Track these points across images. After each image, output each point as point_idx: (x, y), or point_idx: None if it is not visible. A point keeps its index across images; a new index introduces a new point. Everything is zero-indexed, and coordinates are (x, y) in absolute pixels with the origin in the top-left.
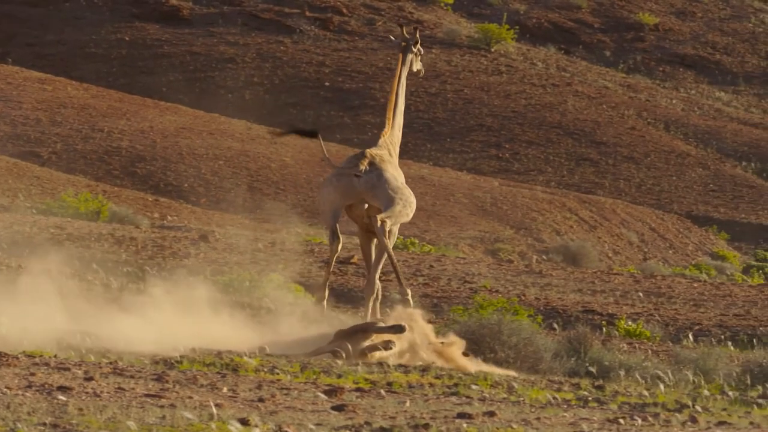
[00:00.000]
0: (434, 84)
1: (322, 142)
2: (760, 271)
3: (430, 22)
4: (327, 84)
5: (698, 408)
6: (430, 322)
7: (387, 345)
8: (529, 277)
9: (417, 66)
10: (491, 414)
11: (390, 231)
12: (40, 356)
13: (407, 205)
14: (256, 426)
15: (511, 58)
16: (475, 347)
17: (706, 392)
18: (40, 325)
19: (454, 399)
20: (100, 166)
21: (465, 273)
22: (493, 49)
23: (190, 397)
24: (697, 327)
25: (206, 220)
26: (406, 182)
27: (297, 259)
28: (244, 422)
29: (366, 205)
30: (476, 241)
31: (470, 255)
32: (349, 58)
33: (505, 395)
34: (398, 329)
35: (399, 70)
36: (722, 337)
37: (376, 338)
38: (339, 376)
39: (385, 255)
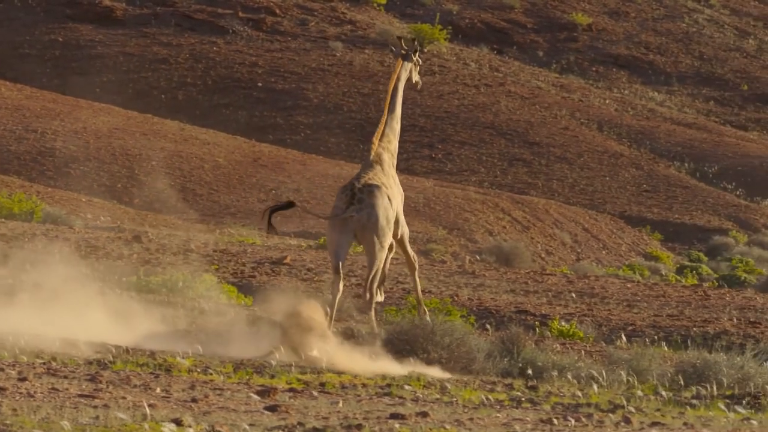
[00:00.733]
0: (367, 84)
1: (302, 206)
2: (694, 272)
3: (362, 22)
4: (260, 84)
5: (632, 408)
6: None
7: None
8: (462, 277)
9: (416, 77)
10: (424, 414)
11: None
12: None
13: (382, 250)
14: (190, 426)
15: (444, 59)
16: (408, 348)
17: (639, 393)
18: None
19: (386, 399)
20: (33, 167)
21: (398, 273)
22: (425, 50)
23: (124, 398)
24: (630, 327)
25: (139, 221)
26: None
27: (230, 259)
28: (177, 422)
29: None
30: (409, 242)
31: (403, 255)
32: (282, 59)
33: (438, 396)
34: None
35: (398, 73)
36: (656, 337)
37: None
38: (272, 377)
39: (379, 270)
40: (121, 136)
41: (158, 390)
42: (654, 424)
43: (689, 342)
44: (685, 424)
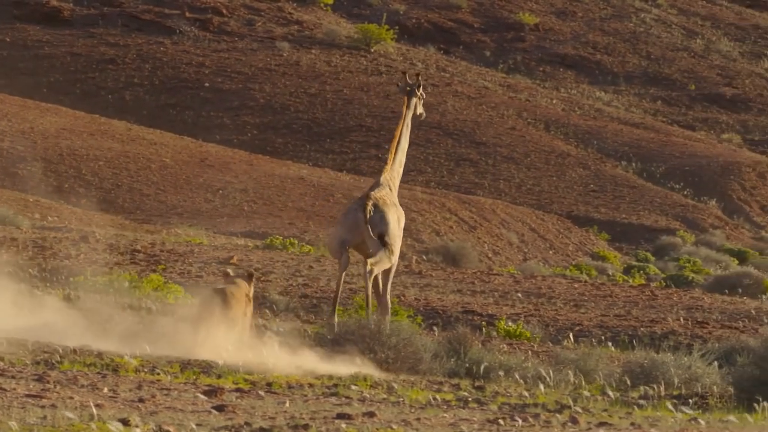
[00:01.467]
0: (314, 84)
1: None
2: (641, 272)
3: (309, 22)
4: (207, 85)
5: (579, 409)
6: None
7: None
8: (409, 277)
9: (420, 110)
10: (371, 414)
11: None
12: None
13: (393, 255)
14: (137, 426)
15: (391, 59)
16: (356, 348)
17: (586, 393)
18: None
19: (333, 399)
20: None
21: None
22: (372, 50)
23: (71, 398)
24: (577, 327)
25: (87, 221)
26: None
27: (177, 259)
28: (124, 422)
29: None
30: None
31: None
32: (229, 59)
33: (385, 396)
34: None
35: (405, 112)
36: (603, 337)
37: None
38: (219, 377)
39: (391, 276)
40: (68, 136)
41: (105, 390)
42: (601, 424)
43: (636, 342)
44: (632, 424)
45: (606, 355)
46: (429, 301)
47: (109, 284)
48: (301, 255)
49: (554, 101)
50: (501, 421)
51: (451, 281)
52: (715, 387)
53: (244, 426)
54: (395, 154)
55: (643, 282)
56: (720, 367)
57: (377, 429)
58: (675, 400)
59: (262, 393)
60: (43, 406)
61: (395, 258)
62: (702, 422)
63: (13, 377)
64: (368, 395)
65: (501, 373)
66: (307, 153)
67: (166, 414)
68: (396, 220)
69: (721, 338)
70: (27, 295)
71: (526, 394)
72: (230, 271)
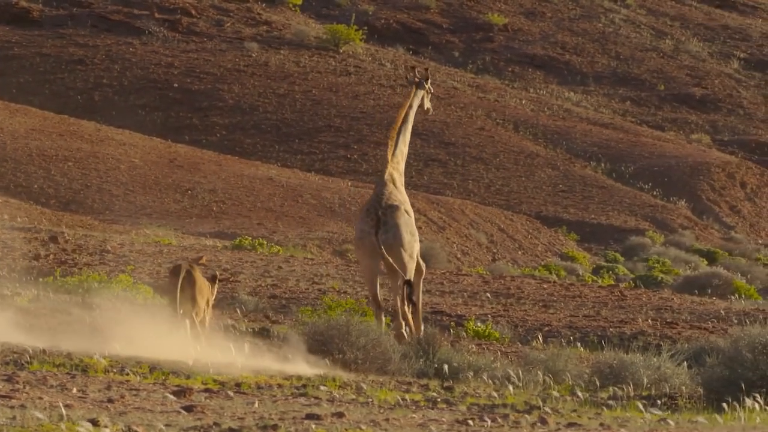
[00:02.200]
0: (282, 85)
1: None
2: (610, 272)
3: (278, 23)
4: (176, 85)
5: (548, 409)
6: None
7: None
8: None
9: (427, 104)
10: (340, 415)
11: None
12: None
13: (412, 260)
14: (106, 426)
15: (360, 59)
16: (324, 348)
17: (555, 393)
18: None
19: (302, 400)
20: None
21: (313, 274)
22: (341, 50)
23: (41, 398)
24: (546, 328)
25: (56, 221)
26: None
27: (146, 260)
28: (93, 423)
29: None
30: (325, 242)
31: (319, 256)
32: (198, 60)
33: (354, 396)
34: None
35: (410, 100)
36: (572, 338)
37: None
38: (188, 377)
39: (421, 280)
40: (37, 136)
41: (75, 390)
42: (570, 424)
43: (605, 342)
44: (601, 424)
45: (575, 356)
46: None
47: (78, 285)
48: (270, 255)
49: (523, 101)
50: (470, 422)
51: (420, 282)
52: (684, 387)
53: (213, 426)
54: (395, 145)
55: (612, 282)
56: (689, 367)
57: (346, 429)
58: (644, 401)
59: (231, 393)
60: (12, 407)
61: (414, 263)
62: (671, 423)
63: None
64: (337, 395)
65: (470, 373)
66: (276, 153)
67: (135, 414)
68: (407, 227)
69: (691, 339)
70: None
71: (495, 394)
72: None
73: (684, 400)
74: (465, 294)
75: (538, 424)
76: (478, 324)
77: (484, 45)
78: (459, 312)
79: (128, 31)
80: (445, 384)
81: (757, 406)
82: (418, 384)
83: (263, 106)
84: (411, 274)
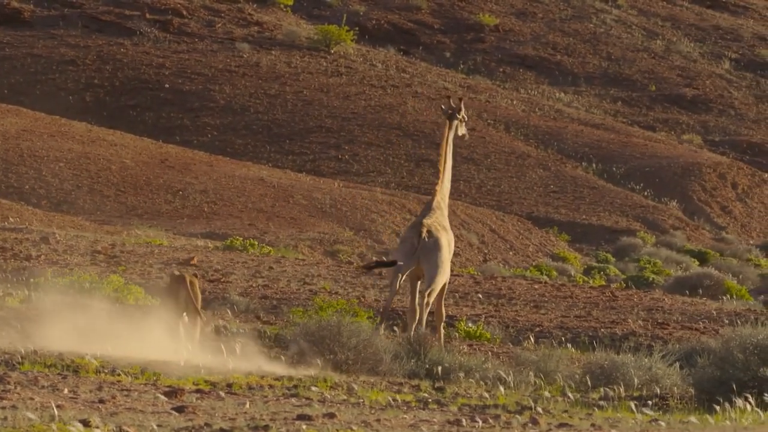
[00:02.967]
0: (273, 86)
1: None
2: (602, 273)
3: (269, 23)
4: (167, 86)
5: (539, 410)
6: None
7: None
8: (369, 279)
9: (462, 131)
10: (331, 416)
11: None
12: None
13: (443, 275)
14: (97, 427)
15: (351, 60)
16: (315, 349)
17: (547, 394)
18: None
19: (294, 400)
20: None
21: (305, 275)
22: (332, 51)
23: (32, 399)
24: (537, 328)
25: (47, 222)
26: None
27: (137, 260)
28: (85, 423)
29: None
30: (316, 243)
31: (310, 256)
32: (189, 60)
33: (345, 397)
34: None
35: (447, 134)
36: (563, 338)
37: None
38: (179, 378)
39: (445, 291)
40: (28, 137)
41: (66, 391)
42: (561, 425)
43: (597, 343)
44: (593, 425)
45: (566, 357)
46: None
47: (69, 285)
48: (261, 256)
49: (514, 102)
50: (461, 422)
51: None
52: (675, 388)
53: (205, 427)
54: (443, 173)
55: (604, 283)
56: (680, 368)
57: (337, 430)
58: (635, 402)
59: (222, 394)
60: (3, 407)
61: (445, 277)
62: (662, 423)
63: None
64: (328, 396)
65: (461, 374)
66: (267, 154)
67: (126, 415)
68: (447, 245)
69: (682, 339)
70: None
71: (486, 395)
72: (176, 271)
73: (675, 400)
74: (456, 294)
75: (530, 424)
76: (470, 324)
77: (475, 45)
78: (450, 312)
79: (119, 31)
80: (437, 385)
81: (748, 406)
82: (409, 384)
83: (254, 107)
84: (436, 289)
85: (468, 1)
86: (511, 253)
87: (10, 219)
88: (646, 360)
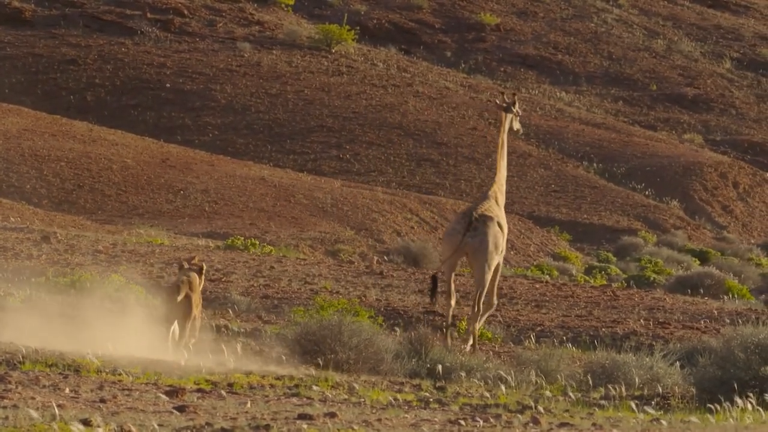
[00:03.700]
0: (275, 85)
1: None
2: (603, 272)
3: (270, 23)
4: (168, 85)
5: (540, 409)
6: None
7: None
8: (370, 278)
9: (516, 126)
10: (332, 415)
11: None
12: None
13: (490, 271)
14: (99, 426)
15: (352, 59)
16: (316, 348)
17: (548, 393)
18: None
19: (295, 400)
20: None
21: (306, 274)
22: (333, 50)
23: (33, 398)
24: (539, 328)
25: (48, 221)
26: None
27: (138, 260)
28: (86, 423)
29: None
30: (317, 242)
31: (311, 256)
32: (190, 60)
33: (346, 396)
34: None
35: (503, 127)
36: (564, 338)
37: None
38: (180, 377)
39: (497, 281)
40: (29, 137)
41: (67, 390)
42: (562, 424)
43: (598, 342)
44: (594, 424)
45: (567, 356)
46: (390, 301)
47: (70, 285)
48: (263, 256)
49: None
50: (462, 422)
51: (412, 282)
52: (676, 387)
53: (206, 426)
54: (500, 164)
55: (605, 282)
56: (681, 367)
57: (338, 429)
58: (637, 401)
59: (223, 393)
60: (5, 407)
61: (491, 273)
62: (664, 423)
63: None
64: (329, 396)
65: (462, 373)
66: (268, 153)
67: (127, 414)
68: (494, 239)
69: (683, 339)
70: None
71: (487, 394)
72: (185, 263)
73: (676, 399)
74: (457, 294)
75: (531, 424)
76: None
77: (476, 45)
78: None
79: (120, 31)
80: (438, 384)
81: (749, 405)
82: (410, 384)
83: (255, 106)
84: (485, 285)
85: (469, 1)
86: (512, 252)
87: (12, 218)
88: (648, 359)
